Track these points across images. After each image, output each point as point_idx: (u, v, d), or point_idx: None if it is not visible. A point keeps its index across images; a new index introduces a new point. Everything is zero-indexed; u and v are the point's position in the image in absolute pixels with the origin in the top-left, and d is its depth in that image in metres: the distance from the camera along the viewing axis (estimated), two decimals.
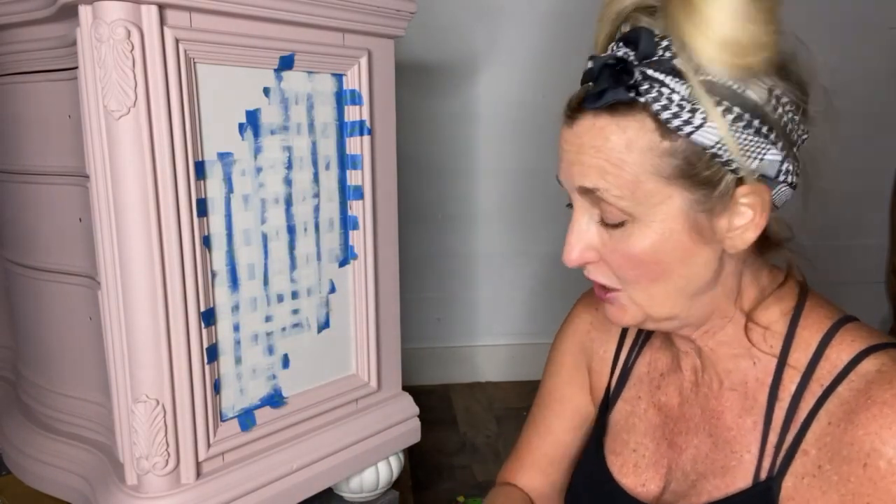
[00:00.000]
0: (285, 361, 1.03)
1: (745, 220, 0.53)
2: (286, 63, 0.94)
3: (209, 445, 0.92)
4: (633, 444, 0.69)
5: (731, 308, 0.59)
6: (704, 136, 0.50)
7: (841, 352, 0.55)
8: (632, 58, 0.52)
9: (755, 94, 0.51)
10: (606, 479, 0.69)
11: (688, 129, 0.50)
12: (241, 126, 0.91)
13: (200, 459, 0.92)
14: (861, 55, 1.89)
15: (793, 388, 0.56)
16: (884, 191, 1.92)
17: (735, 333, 0.60)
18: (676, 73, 0.50)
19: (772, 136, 0.51)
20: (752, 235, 0.54)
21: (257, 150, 0.94)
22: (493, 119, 2.03)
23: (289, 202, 0.99)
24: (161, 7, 0.79)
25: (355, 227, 1.08)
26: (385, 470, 1.17)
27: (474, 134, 2.04)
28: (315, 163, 1.02)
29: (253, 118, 0.93)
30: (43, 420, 1.09)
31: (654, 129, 0.51)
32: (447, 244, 2.12)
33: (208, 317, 0.90)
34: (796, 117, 0.53)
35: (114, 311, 0.85)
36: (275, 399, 1.01)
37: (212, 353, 0.92)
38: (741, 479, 0.58)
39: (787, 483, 0.55)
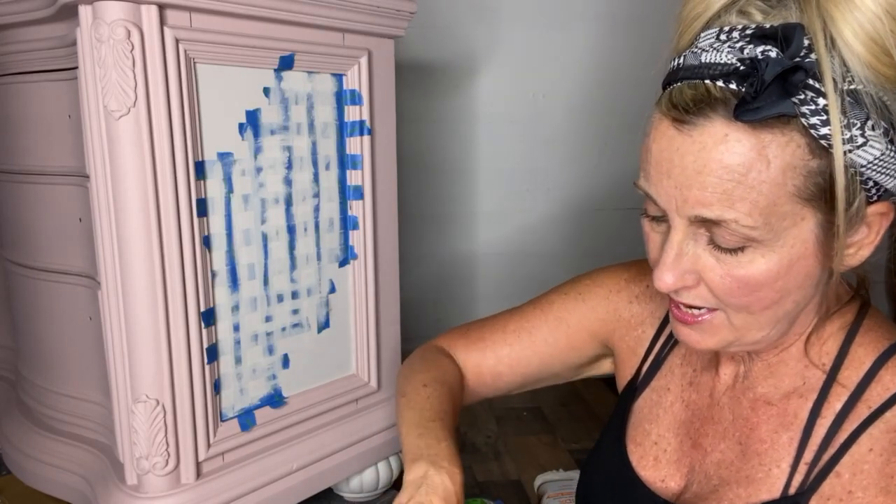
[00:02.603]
0: (285, 361, 1.03)
1: (864, 238, 0.50)
2: (286, 63, 0.94)
3: (209, 445, 0.92)
4: (654, 437, 0.66)
5: (810, 324, 0.56)
6: (861, 156, 0.45)
7: (895, 376, 0.51)
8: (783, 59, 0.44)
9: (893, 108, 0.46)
10: (626, 468, 0.66)
11: (847, 147, 0.44)
12: (241, 126, 0.91)
13: (200, 459, 0.92)
14: None
15: (838, 406, 0.53)
16: None
17: (797, 351, 0.57)
18: (825, 80, 0.44)
19: None
20: (867, 253, 0.51)
21: (257, 150, 0.94)
22: (493, 119, 2.03)
23: (289, 202, 0.99)
24: (161, 7, 0.79)
25: (355, 227, 1.08)
26: (385, 470, 1.17)
27: (474, 134, 2.04)
28: (315, 163, 1.02)
29: (253, 118, 0.93)
30: (43, 420, 1.09)
31: (805, 144, 0.44)
32: (447, 244, 2.12)
33: (208, 317, 0.90)
34: None
35: (114, 311, 0.85)
36: (275, 399, 1.01)
37: (212, 353, 0.92)
38: (766, 492, 0.55)
39: (814, 502, 0.52)
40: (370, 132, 1.06)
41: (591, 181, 2.08)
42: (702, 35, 0.48)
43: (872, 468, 0.49)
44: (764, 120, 0.44)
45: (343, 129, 1.05)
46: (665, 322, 0.70)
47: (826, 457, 0.52)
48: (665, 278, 0.50)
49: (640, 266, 0.75)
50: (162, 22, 0.80)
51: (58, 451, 1.04)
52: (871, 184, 0.47)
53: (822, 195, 0.46)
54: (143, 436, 0.86)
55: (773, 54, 0.44)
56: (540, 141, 2.05)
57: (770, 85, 0.43)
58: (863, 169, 0.46)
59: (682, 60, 0.49)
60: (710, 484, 0.59)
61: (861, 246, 0.50)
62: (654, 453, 0.65)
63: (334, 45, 1.00)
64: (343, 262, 1.08)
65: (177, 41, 0.81)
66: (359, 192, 1.07)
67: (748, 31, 0.45)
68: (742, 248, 0.47)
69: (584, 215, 2.10)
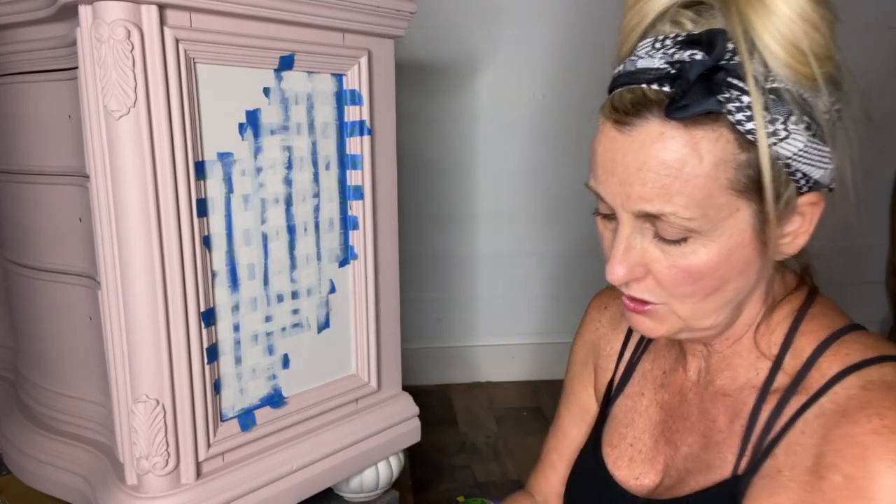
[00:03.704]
0: (285, 361, 1.03)
1: (798, 227, 0.53)
2: (286, 63, 0.94)
3: (209, 445, 0.92)
4: (630, 439, 0.69)
5: (757, 314, 0.59)
6: (785, 148, 0.49)
7: (833, 363, 0.54)
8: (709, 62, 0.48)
9: (820, 103, 0.50)
10: (600, 469, 0.70)
11: (771, 140, 0.48)
12: (241, 126, 0.91)
13: (200, 459, 0.92)
14: (861, 55, 1.90)
15: (780, 393, 0.56)
16: (884, 191, 1.92)
17: (748, 342, 0.60)
18: (748, 80, 0.48)
19: (829, 146, 0.51)
20: (802, 241, 0.54)
21: (257, 150, 0.94)
22: (493, 119, 2.03)
23: (289, 202, 0.99)
24: (161, 7, 0.79)
25: (355, 227, 1.08)
26: (385, 470, 1.17)
27: (474, 134, 2.04)
28: (315, 163, 1.02)
29: (253, 118, 0.93)
30: (43, 420, 1.09)
31: (733, 139, 0.48)
32: (447, 244, 2.12)
33: (208, 317, 0.90)
34: (840, 127, 0.52)
35: (114, 311, 0.85)
36: (275, 399, 1.01)
37: (212, 353, 0.92)
38: (719, 476, 0.58)
39: (754, 482, 0.55)
40: (370, 132, 1.06)
41: None
42: (640, 44, 0.53)
43: (802, 450, 0.52)
44: (694, 117, 0.48)
45: (343, 129, 1.05)
46: (630, 333, 0.75)
47: (768, 440, 0.55)
48: (616, 271, 0.53)
49: (595, 301, 0.81)
50: (162, 22, 0.80)
51: (58, 451, 1.04)
52: (799, 175, 0.51)
53: (753, 187, 0.50)
54: (143, 436, 0.86)
55: (698, 57, 0.48)
56: (540, 141, 2.05)
57: (695, 84, 0.47)
58: (789, 160, 0.49)
59: (622, 68, 0.53)
60: (679, 476, 0.63)
61: (796, 235, 0.54)
62: (629, 454, 0.69)
63: (334, 45, 1.00)
64: (343, 262, 1.09)
65: (177, 41, 0.81)
66: (359, 192, 1.07)
67: (679, 39, 0.50)
68: (685, 239, 0.51)
69: (583, 215, 2.10)
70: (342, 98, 1.04)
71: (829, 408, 0.52)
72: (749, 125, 0.48)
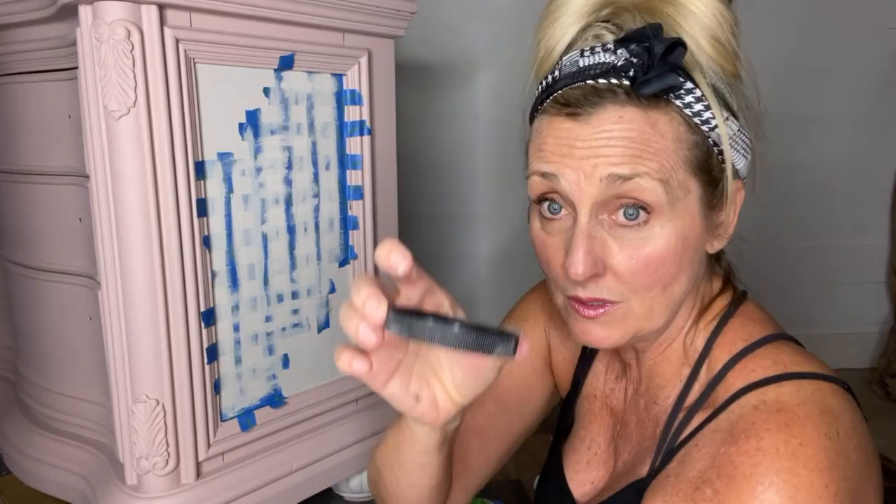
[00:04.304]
0: (285, 361, 1.03)
1: (727, 218, 0.55)
2: (286, 63, 0.94)
3: (209, 445, 0.92)
4: (588, 442, 0.69)
5: (688, 317, 0.59)
6: (721, 133, 0.52)
7: (738, 378, 0.54)
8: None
9: (738, 96, 0.53)
10: (559, 475, 0.70)
11: (710, 125, 0.51)
12: (241, 126, 0.91)
13: (200, 459, 0.92)
14: (861, 55, 1.89)
15: (691, 401, 0.57)
16: (884, 191, 1.92)
17: (678, 347, 0.60)
18: (686, 71, 0.51)
19: (749, 137, 0.54)
20: (730, 232, 0.56)
21: (257, 150, 0.94)
22: (493, 119, 2.03)
23: (289, 202, 0.99)
24: (161, 7, 0.79)
25: (355, 227, 1.08)
26: None
27: (474, 134, 2.04)
28: (315, 163, 1.02)
29: (253, 118, 0.93)
30: (43, 420, 1.09)
31: (682, 122, 0.51)
32: (447, 244, 2.12)
33: (208, 317, 0.90)
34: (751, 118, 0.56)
35: (114, 311, 0.85)
36: (275, 399, 1.01)
37: (212, 353, 0.92)
38: (635, 477, 0.59)
39: (651, 484, 0.56)
40: (370, 132, 1.06)
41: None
42: (563, 59, 0.55)
43: (691, 461, 0.53)
44: (651, 99, 0.50)
45: (343, 129, 1.05)
46: None
47: (673, 447, 0.56)
48: (581, 264, 0.51)
49: (542, 294, 0.79)
50: (162, 22, 0.80)
51: (58, 451, 1.04)
52: (731, 162, 0.53)
53: (702, 167, 0.52)
54: (143, 436, 0.86)
55: (637, 50, 0.51)
56: None
57: (659, 59, 0.49)
58: (721, 147, 0.53)
59: (555, 75, 0.55)
60: (615, 481, 0.63)
61: (728, 226, 0.56)
62: (587, 458, 0.69)
63: (334, 45, 1.00)
64: (343, 262, 1.08)
65: (177, 41, 0.81)
66: (359, 192, 1.07)
67: (609, 46, 0.52)
68: (644, 223, 0.51)
69: None
70: (342, 98, 1.04)
71: (724, 425, 0.52)
72: (697, 107, 0.51)
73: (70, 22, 0.85)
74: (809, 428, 0.48)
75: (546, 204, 0.55)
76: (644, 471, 0.58)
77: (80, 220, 0.95)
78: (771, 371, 0.53)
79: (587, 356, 0.72)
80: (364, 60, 1.03)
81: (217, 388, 0.94)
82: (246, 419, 0.97)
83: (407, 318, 0.42)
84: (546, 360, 0.77)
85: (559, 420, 0.75)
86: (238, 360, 0.96)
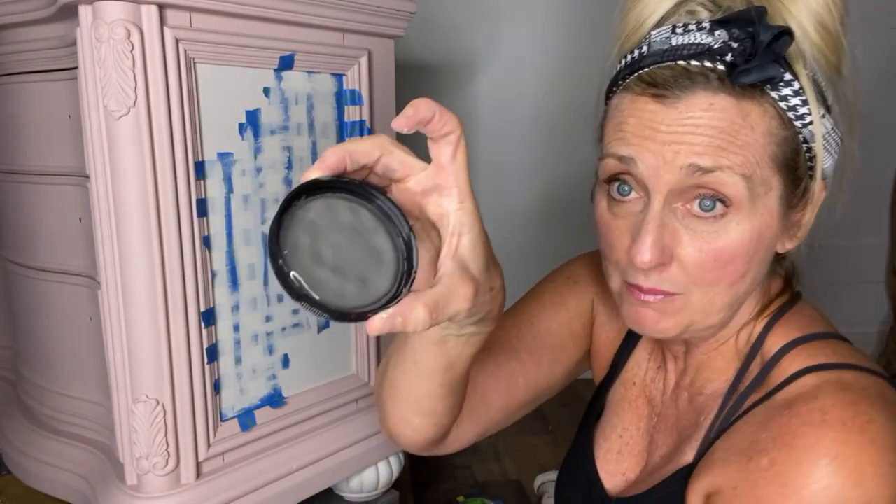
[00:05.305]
0: (285, 361, 1.03)
1: (801, 217, 0.53)
2: (286, 63, 0.94)
3: (209, 445, 0.92)
4: (620, 430, 0.68)
5: (748, 317, 0.58)
6: (815, 131, 0.49)
7: (794, 362, 0.53)
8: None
9: (836, 91, 0.50)
10: (590, 462, 0.68)
11: (805, 121, 0.49)
12: (241, 126, 0.91)
13: (200, 459, 0.92)
14: (861, 55, 1.90)
15: (742, 389, 0.56)
16: (884, 191, 1.92)
17: (734, 344, 0.59)
18: (792, 56, 0.48)
19: (840, 135, 0.51)
20: (803, 233, 0.54)
21: (257, 150, 0.94)
22: (493, 119, 2.04)
23: None
24: (161, 7, 0.79)
25: None
26: (385, 470, 1.17)
27: (474, 134, 2.04)
28: None
29: (253, 118, 0.93)
30: (43, 420, 1.09)
31: (775, 115, 0.48)
32: None
33: (208, 317, 0.90)
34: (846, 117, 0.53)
35: (114, 311, 0.85)
36: (275, 399, 1.01)
37: (212, 353, 0.92)
38: (675, 466, 0.58)
39: (698, 465, 0.55)
40: (370, 132, 1.06)
41: (591, 181, 2.08)
42: (652, 34, 0.51)
43: (740, 435, 0.52)
44: (746, 88, 0.47)
45: (343, 129, 1.05)
46: None
47: (723, 428, 0.55)
48: (648, 253, 0.49)
49: (593, 262, 0.76)
50: (162, 22, 0.80)
51: (58, 451, 1.04)
52: (817, 161, 0.51)
53: (788, 164, 0.49)
54: (143, 436, 0.86)
55: (737, 34, 0.47)
56: (540, 141, 2.05)
57: (764, 48, 0.46)
58: (812, 145, 0.50)
59: (643, 50, 0.51)
60: (651, 473, 0.62)
61: (800, 226, 0.54)
62: (618, 447, 0.67)
63: (334, 45, 1.00)
64: None
65: (177, 41, 0.81)
66: None
67: (704, 25, 0.49)
68: (721, 216, 0.49)
69: (583, 215, 2.10)
70: (342, 98, 1.04)
71: (779, 402, 0.51)
72: (794, 101, 0.48)
73: (70, 22, 0.85)
74: (876, 408, 0.47)
75: (616, 185, 0.52)
76: (690, 457, 0.57)
77: (80, 220, 0.95)
78: (832, 359, 0.52)
79: (630, 341, 0.70)
80: (364, 60, 1.03)
81: (217, 388, 0.94)
82: (246, 419, 0.97)
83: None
84: (586, 328, 0.74)
85: (590, 404, 0.73)
86: (238, 360, 0.96)
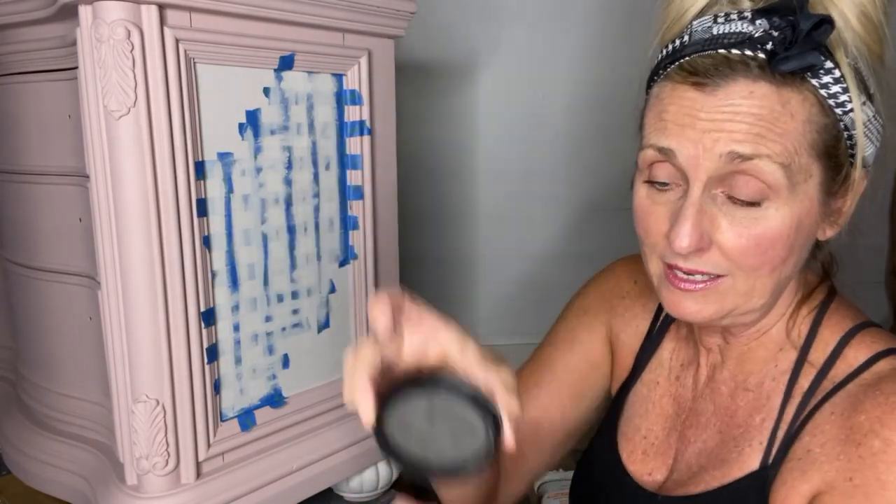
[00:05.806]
0: (285, 361, 1.03)
1: (841, 205, 0.54)
2: (286, 63, 0.94)
3: (209, 445, 0.92)
4: (643, 431, 0.68)
5: (788, 305, 0.59)
6: (856, 119, 0.50)
7: (859, 352, 0.54)
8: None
9: (878, 79, 0.51)
10: (616, 463, 0.68)
11: (845, 108, 0.49)
12: (241, 126, 0.91)
13: (200, 459, 0.92)
14: None
15: (806, 384, 0.56)
16: (884, 191, 1.92)
17: (776, 334, 0.59)
18: (828, 49, 0.49)
19: (882, 123, 0.52)
20: (844, 221, 0.55)
21: (257, 150, 0.94)
22: (493, 119, 2.03)
23: (289, 202, 0.99)
24: (161, 7, 0.79)
25: (355, 227, 1.08)
26: (385, 470, 1.17)
27: (474, 134, 2.04)
28: (315, 163, 1.02)
29: (253, 118, 0.93)
30: (43, 420, 1.09)
31: (815, 103, 0.49)
32: (447, 244, 2.12)
33: (208, 317, 0.90)
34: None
35: (114, 311, 0.85)
36: (275, 399, 1.01)
37: (212, 353, 0.92)
38: (737, 470, 0.57)
39: (781, 470, 0.54)
40: (370, 132, 1.06)
41: (591, 181, 2.08)
42: (694, 23, 0.52)
43: (832, 426, 0.52)
44: (786, 76, 0.48)
45: (343, 129, 1.05)
46: (657, 315, 0.72)
47: (794, 427, 0.55)
48: (687, 238, 0.49)
49: (624, 263, 0.77)
50: (162, 22, 0.80)
51: (58, 451, 1.04)
52: (860, 149, 0.52)
53: (828, 153, 0.50)
54: (143, 436, 0.86)
55: (777, 22, 0.47)
56: (540, 141, 2.05)
57: (805, 36, 0.46)
58: (854, 133, 0.50)
59: (684, 40, 0.51)
60: (690, 471, 0.62)
61: (841, 214, 0.54)
62: (642, 447, 0.67)
63: (334, 45, 1.00)
64: (343, 262, 1.08)
65: (177, 41, 0.81)
66: (359, 192, 1.07)
67: (746, 14, 0.49)
68: (758, 203, 0.49)
69: (583, 215, 2.10)
70: (342, 98, 1.04)
71: (858, 389, 0.52)
72: (834, 89, 0.49)
73: (70, 22, 0.85)
74: None
75: (660, 168, 0.53)
76: (755, 462, 0.56)
77: (80, 220, 0.95)
78: (893, 344, 0.53)
79: (650, 343, 0.71)
80: (364, 60, 1.03)
81: (217, 388, 0.94)
82: (246, 419, 0.97)
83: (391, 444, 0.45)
84: (605, 354, 0.75)
85: (610, 407, 0.73)
86: (238, 360, 0.96)
